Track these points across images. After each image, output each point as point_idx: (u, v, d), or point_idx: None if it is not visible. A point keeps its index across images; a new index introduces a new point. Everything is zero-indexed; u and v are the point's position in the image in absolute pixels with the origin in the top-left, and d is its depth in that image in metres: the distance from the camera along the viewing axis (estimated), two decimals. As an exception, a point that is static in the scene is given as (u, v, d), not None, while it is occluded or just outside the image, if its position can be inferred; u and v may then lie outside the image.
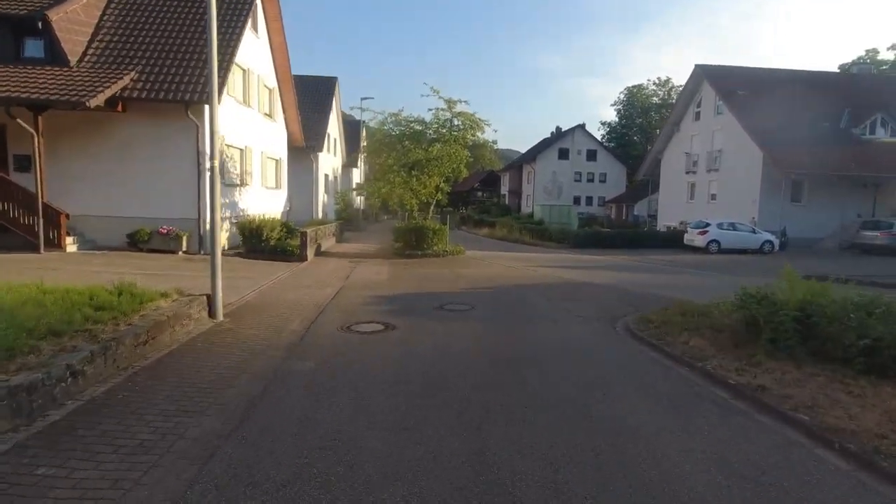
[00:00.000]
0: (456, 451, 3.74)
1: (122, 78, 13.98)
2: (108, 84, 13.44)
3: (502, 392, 5.00)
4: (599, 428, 4.22)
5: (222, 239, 16.26)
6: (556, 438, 3.98)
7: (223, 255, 15.42)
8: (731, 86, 29.09)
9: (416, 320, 8.12)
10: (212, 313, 7.48)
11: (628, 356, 6.51)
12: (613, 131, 70.61)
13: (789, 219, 25.58)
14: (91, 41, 15.30)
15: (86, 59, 14.82)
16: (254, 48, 18.63)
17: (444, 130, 19.28)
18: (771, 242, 23.62)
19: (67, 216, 13.55)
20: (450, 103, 18.69)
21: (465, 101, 18.96)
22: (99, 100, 12.87)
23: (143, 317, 6.04)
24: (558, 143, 58.58)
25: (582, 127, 59.21)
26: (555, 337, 7.44)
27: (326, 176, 31.60)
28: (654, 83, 67.93)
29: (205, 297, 7.48)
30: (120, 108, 14.25)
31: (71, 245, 13.76)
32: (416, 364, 5.86)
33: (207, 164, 7.68)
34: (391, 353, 6.30)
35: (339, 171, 37.61)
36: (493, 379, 5.42)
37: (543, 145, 61.02)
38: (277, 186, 22.39)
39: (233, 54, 15.63)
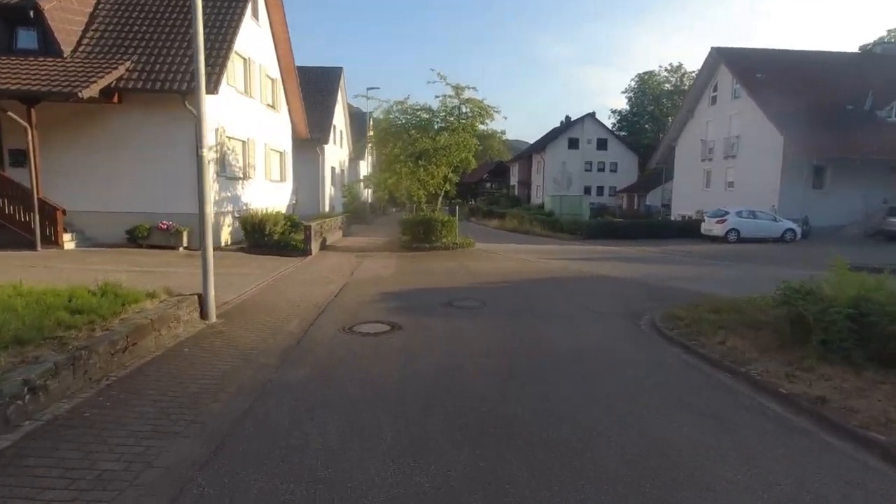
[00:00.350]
0: (468, 483, 3.15)
1: (116, 68, 13.46)
2: (102, 74, 12.92)
3: (520, 406, 4.39)
4: (637, 451, 3.59)
5: (224, 234, 15.86)
6: (587, 466, 3.38)
7: (225, 250, 15.13)
8: (748, 69, 28.01)
9: (423, 320, 7.53)
10: (203, 314, 6.94)
11: (658, 360, 5.85)
12: (624, 119, 69.25)
13: (811, 206, 24.62)
14: (85, 31, 14.77)
15: (80, 50, 14.30)
16: (255, 37, 18.02)
17: (452, 118, 18.59)
18: (793, 230, 22.75)
19: (64, 212, 13.12)
20: (457, 90, 17.98)
21: (473, 88, 18.24)
22: (93, 91, 12.35)
23: (123, 321, 5.51)
24: (568, 132, 57.47)
25: (592, 115, 58.04)
26: (574, 337, 6.82)
27: (333, 169, 31.03)
28: (666, 69, 66.45)
29: (196, 297, 6.95)
30: (116, 99, 13.76)
31: (69, 242, 13.35)
32: (423, 371, 5.27)
33: (205, 153, 7.06)
34: (395, 358, 5.71)
35: (346, 163, 37.02)
36: (510, 390, 4.82)
37: (553, 135, 59.93)
38: (282, 179, 21.87)
39: (231, 42, 15.04)
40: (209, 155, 14.40)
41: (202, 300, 6.97)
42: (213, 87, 13.73)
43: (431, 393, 4.70)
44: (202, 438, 3.68)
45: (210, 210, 7.26)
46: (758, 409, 4.38)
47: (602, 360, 5.85)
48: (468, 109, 18.50)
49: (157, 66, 14.00)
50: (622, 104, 75.92)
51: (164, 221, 13.98)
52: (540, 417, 4.16)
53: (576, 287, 10.88)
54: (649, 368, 5.53)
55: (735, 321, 6.66)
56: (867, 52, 37.55)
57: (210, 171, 14.21)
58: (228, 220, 16.00)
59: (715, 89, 31.21)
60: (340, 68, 31.93)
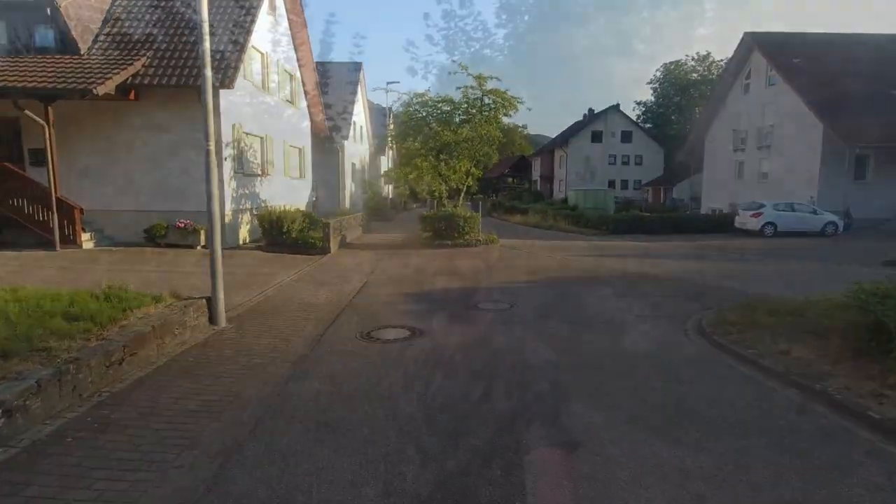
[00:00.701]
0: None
1: (132, 64, 13.21)
2: (117, 70, 12.69)
3: (564, 434, 3.77)
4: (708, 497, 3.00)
5: (243, 232, 15.57)
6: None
7: (243, 248, 14.82)
8: (784, 54, 26.59)
9: (446, 324, 6.98)
10: (212, 319, 6.53)
11: (714, 373, 5.17)
12: (649, 111, 67.27)
13: (851, 198, 23.23)
14: (102, 27, 14.60)
15: (97, 46, 14.13)
16: (272, 31, 17.67)
17: (474, 110, 17.95)
18: (834, 224, 21.52)
19: (82, 211, 12.94)
20: (480, 80, 17.32)
21: (496, 78, 17.56)
22: (108, 87, 12.12)
23: (123, 328, 5.10)
24: (591, 125, 56.17)
25: (616, 107, 56.60)
26: (614, 345, 6.17)
27: (353, 165, 30.68)
28: (693, 59, 64.26)
29: (205, 301, 6.53)
30: (132, 95, 13.54)
31: (87, 241, 13.18)
32: (447, 386, 4.72)
33: (212, 147, 6.62)
34: (416, 370, 5.17)
35: (367, 159, 36.66)
36: (550, 410, 4.24)
37: (576, 128, 58.69)
38: (301, 176, 21.55)
39: (248, 36, 14.69)
40: (226, 151, 14.19)
41: (211, 304, 6.55)
42: (228, 82, 13.43)
43: (461, 411, 4.14)
44: (196, 470, 3.20)
45: (218, 208, 6.83)
46: (843, 436, 3.70)
47: (649, 372, 5.16)
48: (491, 101, 17.85)
49: (174, 61, 13.74)
50: (647, 95, 73.54)
51: (182, 220, 13.73)
52: (590, 447, 3.57)
53: (609, 286, 10.20)
54: (705, 383, 4.85)
55: (796, 327, 5.94)
56: (912, 34, 35.52)
57: (225, 167, 13.98)
58: (247, 217, 15.72)
59: (748, 77, 29.83)
60: (360, 63, 31.54)
